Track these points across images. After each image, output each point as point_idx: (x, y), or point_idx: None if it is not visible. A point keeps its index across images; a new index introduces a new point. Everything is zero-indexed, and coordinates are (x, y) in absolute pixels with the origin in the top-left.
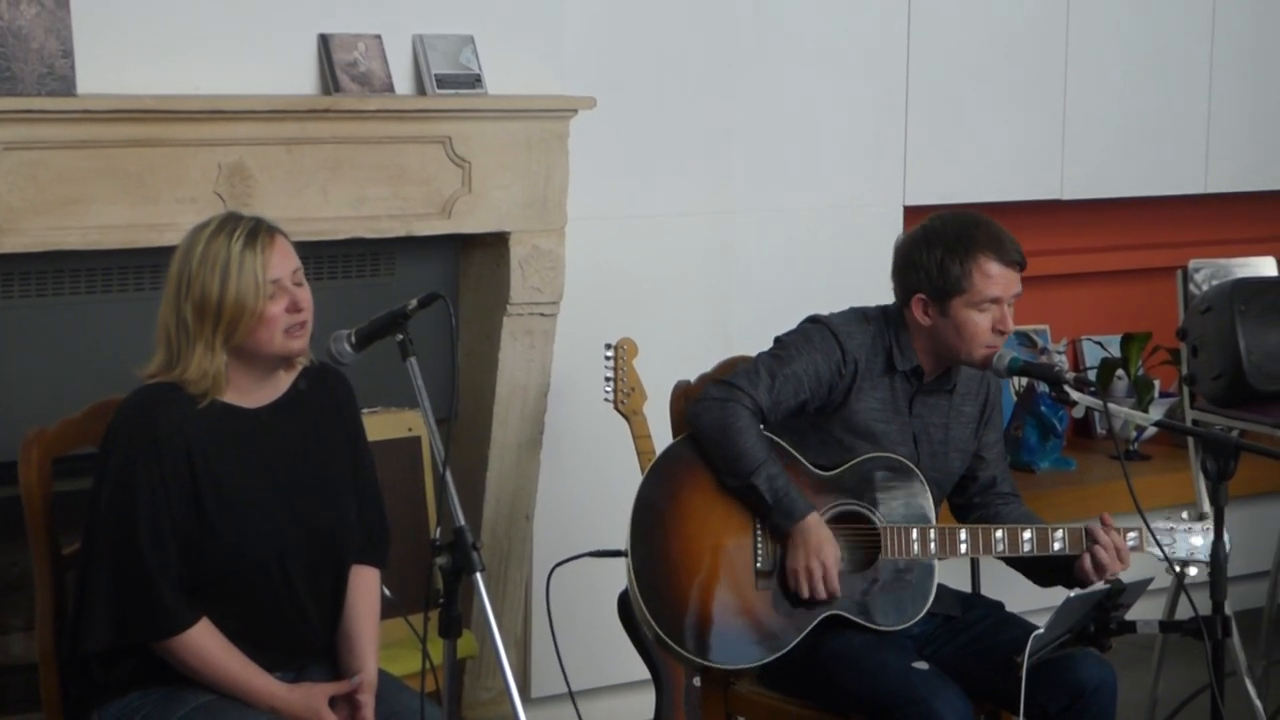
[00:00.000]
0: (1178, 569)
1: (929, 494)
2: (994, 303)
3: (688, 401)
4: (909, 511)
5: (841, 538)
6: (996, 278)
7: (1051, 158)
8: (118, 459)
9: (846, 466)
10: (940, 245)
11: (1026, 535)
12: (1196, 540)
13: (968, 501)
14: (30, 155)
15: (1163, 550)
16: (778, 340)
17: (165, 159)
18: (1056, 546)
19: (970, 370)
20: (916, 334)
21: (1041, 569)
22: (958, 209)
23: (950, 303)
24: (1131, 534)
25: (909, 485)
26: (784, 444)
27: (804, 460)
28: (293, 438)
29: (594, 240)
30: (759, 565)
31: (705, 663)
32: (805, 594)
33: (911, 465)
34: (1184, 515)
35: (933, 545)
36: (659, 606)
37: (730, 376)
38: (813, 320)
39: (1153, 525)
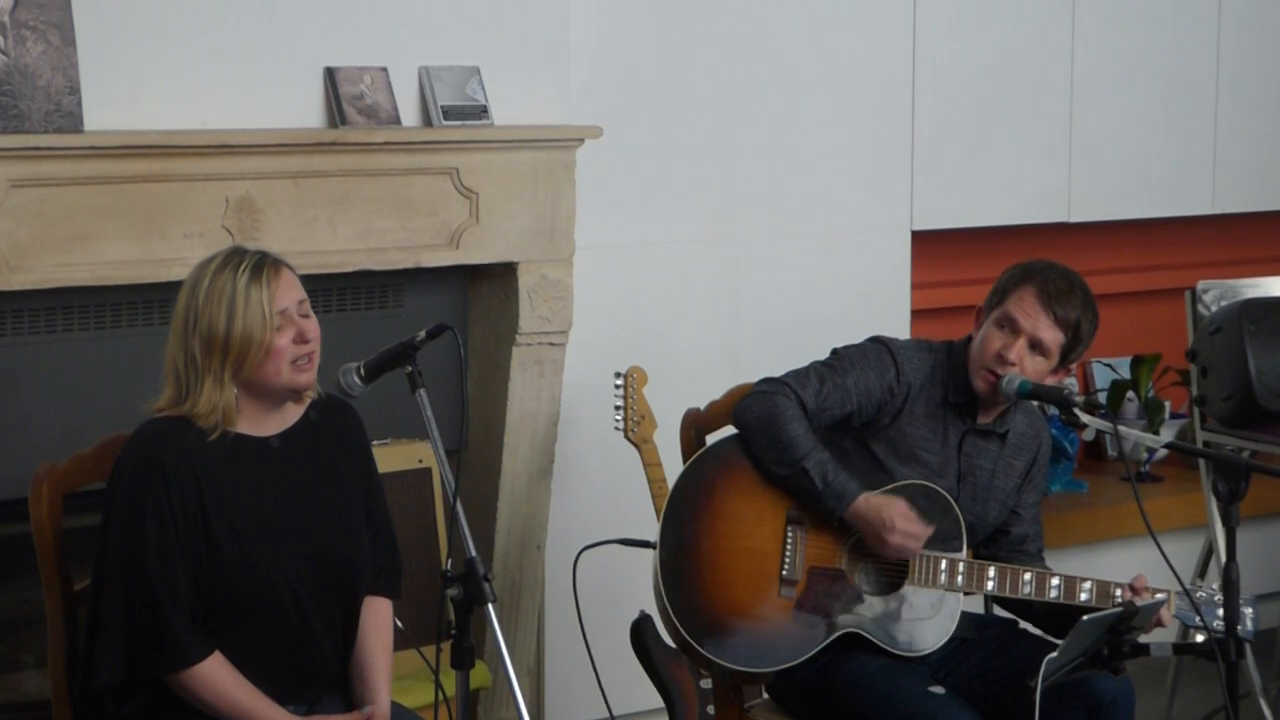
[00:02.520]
0: (1202, 637)
1: (964, 530)
2: (1012, 327)
3: (699, 427)
4: (941, 543)
5: (871, 559)
6: (1026, 307)
7: (1058, 181)
8: (126, 492)
9: (888, 489)
10: (1010, 270)
11: (1054, 582)
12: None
13: (993, 554)
14: (38, 192)
15: (1202, 619)
16: (834, 351)
17: (172, 194)
18: (1083, 597)
19: (1024, 424)
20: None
21: (1058, 620)
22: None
23: (989, 315)
24: (1160, 595)
25: (945, 517)
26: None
27: None
28: (305, 466)
29: (602, 269)
30: (784, 573)
31: (721, 662)
32: (908, 555)
33: (950, 499)
34: (1214, 586)
35: (960, 578)
36: (681, 601)
37: (779, 376)
38: (875, 340)
39: (1178, 590)
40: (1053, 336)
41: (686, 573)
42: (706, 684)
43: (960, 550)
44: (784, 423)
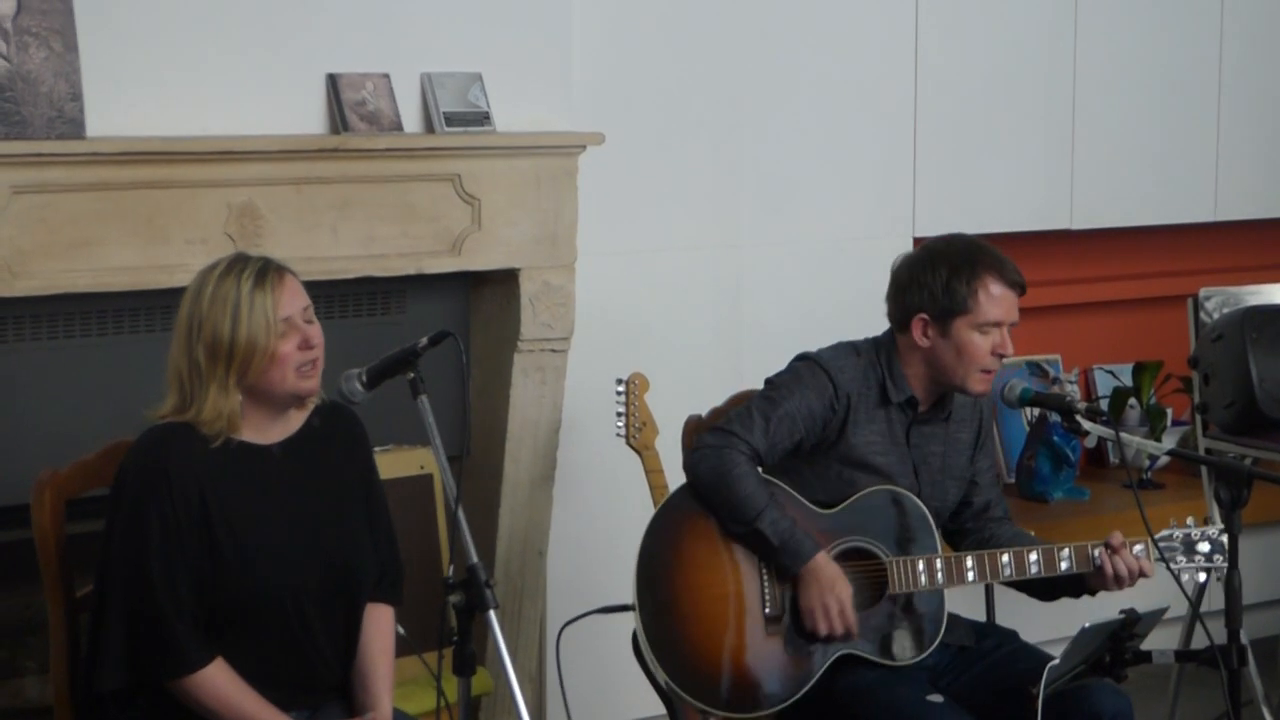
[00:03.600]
0: (1186, 576)
1: (933, 524)
2: (995, 325)
3: (692, 442)
4: (914, 543)
5: (849, 574)
6: (1000, 299)
7: (1061, 188)
8: (129, 498)
9: (848, 503)
10: (945, 265)
11: (1033, 557)
12: (1204, 547)
13: (960, 527)
14: (40, 198)
15: (1170, 568)
16: (768, 382)
17: (175, 200)
18: (1064, 566)
19: (962, 397)
20: (909, 361)
21: (1047, 587)
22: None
23: (953, 323)
24: (1138, 548)
25: (912, 516)
26: (783, 485)
27: (804, 500)
28: (308, 473)
29: (604, 275)
30: (767, 611)
31: (721, 713)
32: (823, 632)
33: (913, 496)
34: (1189, 521)
35: (940, 575)
36: (670, 658)
37: (723, 423)
38: (802, 358)
39: (1158, 534)
40: (1018, 305)
41: (671, 631)
42: None
43: (934, 545)
44: (733, 481)
